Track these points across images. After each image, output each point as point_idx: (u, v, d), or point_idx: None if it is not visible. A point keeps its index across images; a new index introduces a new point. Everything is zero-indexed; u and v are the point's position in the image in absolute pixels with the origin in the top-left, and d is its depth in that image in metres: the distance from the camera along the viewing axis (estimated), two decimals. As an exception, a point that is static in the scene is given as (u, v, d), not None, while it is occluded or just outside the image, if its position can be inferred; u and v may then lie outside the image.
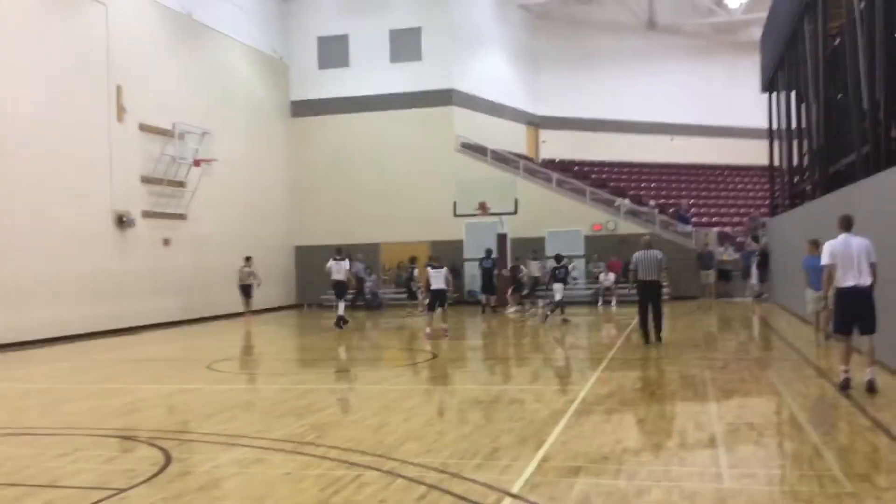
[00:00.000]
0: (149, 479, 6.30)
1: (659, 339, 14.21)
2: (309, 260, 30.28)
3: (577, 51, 36.87)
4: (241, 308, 23.46)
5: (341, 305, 19.87)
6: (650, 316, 14.16)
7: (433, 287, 16.80)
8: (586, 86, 36.80)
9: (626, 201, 30.12)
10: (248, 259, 23.34)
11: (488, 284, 25.23)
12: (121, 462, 7.20)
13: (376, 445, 7.26)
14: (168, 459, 6.94)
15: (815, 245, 11.98)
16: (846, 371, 9.08)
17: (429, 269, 17.18)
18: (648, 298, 14.21)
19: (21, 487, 6.21)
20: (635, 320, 15.74)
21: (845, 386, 8.99)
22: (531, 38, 36.28)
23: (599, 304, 26.22)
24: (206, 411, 9.65)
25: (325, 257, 21.53)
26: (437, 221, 28.70)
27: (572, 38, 36.97)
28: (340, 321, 19.56)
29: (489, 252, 25.61)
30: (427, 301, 17.47)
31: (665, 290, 15.58)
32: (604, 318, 22.48)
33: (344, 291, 20.08)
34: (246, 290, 23.04)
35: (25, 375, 13.53)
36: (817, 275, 10.85)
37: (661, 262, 14.23)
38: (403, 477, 6.14)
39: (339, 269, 19.65)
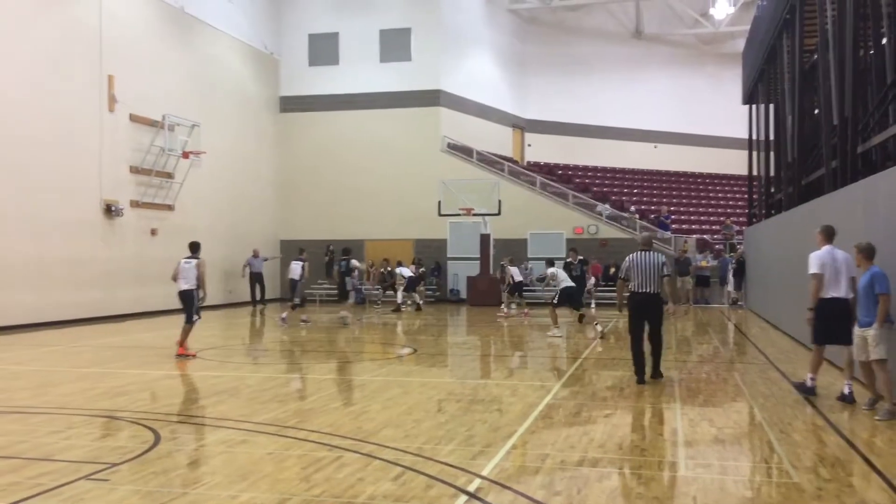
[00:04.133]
0: (139, 456, 6.65)
1: (658, 374, 10.64)
2: (294, 254, 30.56)
3: (565, 56, 37.40)
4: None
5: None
6: (645, 341, 10.63)
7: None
8: (572, 91, 37.35)
9: (608, 206, 30.64)
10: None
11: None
12: (111, 440, 7.55)
13: (355, 431, 7.64)
14: (157, 438, 7.30)
15: (868, 254, 8.52)
16: (813, 379, 9.49)
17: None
18: (644, 317, 10.56)
19: (17, 460, 6.54)
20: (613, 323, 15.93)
21: (809, 391, 9.40)
22: (519, 43, 36.76)
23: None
24: (193, 396, 10.00)
25: (308, 251, 22.05)
26: (422, 220, 29.12)
27: (560, 43, 37.50)
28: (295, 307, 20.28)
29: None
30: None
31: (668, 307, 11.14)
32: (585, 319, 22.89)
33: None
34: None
35: (14, 358, 13.79)
36: (870, 301, 8.32)
37: (663, 268, 10.50)
38: (381, 459, 6.53)
39: (295, 269, 20.33)
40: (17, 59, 19.04)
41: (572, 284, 17.94)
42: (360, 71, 31.26)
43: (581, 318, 18.81)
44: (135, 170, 23.14)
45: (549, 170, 34.91)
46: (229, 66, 28.55)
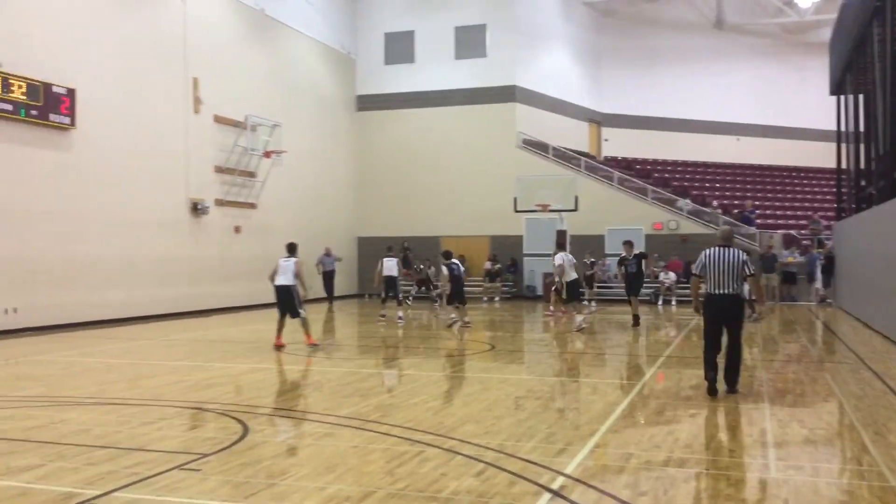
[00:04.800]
0: (229, 447, 6.84)
1: (733, 389, 9.32)
2: (370, 251, 30.98)
3: (642, 49, 36.72)
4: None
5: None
6: (721, 349, 9.35)
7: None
8: (650, 84, 36.64)
9: (689, 201, 29.99)
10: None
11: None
12: (202, 431, 7.78)
13: (437, 426, 7.68)
14: (245, 430, 7.49)
15: None
16: None
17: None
18: (721, 322, 9.27)
19: (113, 450, 6.80)
20: (695, 321, 15.57)
21: None
22: (595, 36, 36.27)
23: (659, 302, 26.24)
24: (278, 389, 10.23)
25: (385, 247, 22.26)
26: (497, 216, 29.08)
27: (637, 35, 36.84)
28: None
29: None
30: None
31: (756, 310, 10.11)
32: (664, 316, 22.53)
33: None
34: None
35: (107, 351, 14.37)
36: None
37: (745, 266, 9.20)
38: (463, 455, 6.55)
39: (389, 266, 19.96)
40: (108, 65, 19.79)
41: (577, 277, 18.11)
42: (435, 68, 31.39)
43: (637, 320, 18.23)
44: (219, 169, 23.81)
45: (626, 164, 34.38)
46: (308, 67, 29.07)
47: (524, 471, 6.04)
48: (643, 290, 19.91)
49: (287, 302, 13.98)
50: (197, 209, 22.57)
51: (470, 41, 31.11)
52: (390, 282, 19.94)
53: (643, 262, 18.42)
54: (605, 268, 27.97)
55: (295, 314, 13.99)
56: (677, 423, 7.92)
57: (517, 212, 27.38)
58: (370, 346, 15.98)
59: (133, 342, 15.86)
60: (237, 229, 24.49)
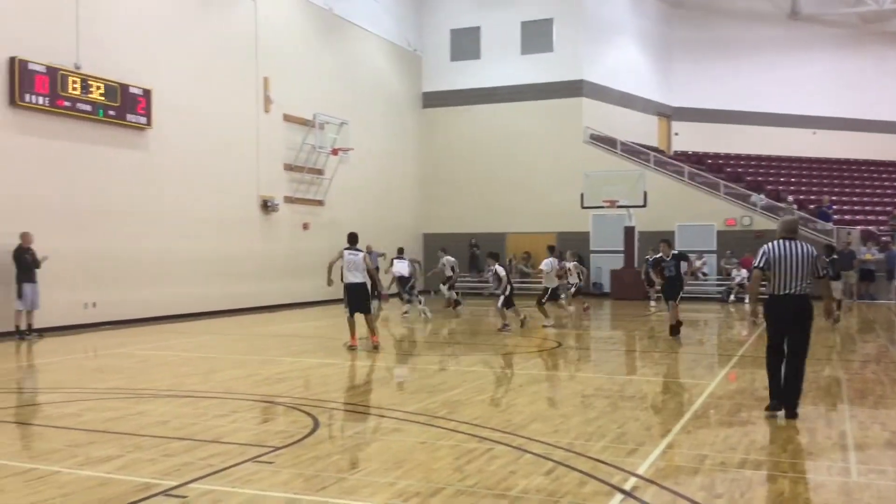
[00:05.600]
0: (300, 440, 6.93)
1: (793, 412, 7.78)
2: (436, 248, 31.10)
3: (714, 41, 35.83)
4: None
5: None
6: (785, 359, 7.87)
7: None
8: (722, 76, 35.73)
9: (763, 196, 29.20)
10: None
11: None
12: (274, 424, 7.91)
13: (504, 423, 7.64)
14: (316, 424, 7.58)
15: None
16: None
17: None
18: (787, 328, 7.78)
19: (189, 441, 6.97)
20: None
21: None
22: (665, 28, 35.57)
23: (730, 299, 25.65)
24: (346, 384, 10.34)
25: (449, 245, 22.29)
26: (564, 213, 28.82)
27: (708, 27, 35.96)
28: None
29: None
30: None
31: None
32: (736, 315, 22.00)
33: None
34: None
35: (181, 345, 14.75)
36: None
37: (817, 264, 7.81)
38: (531, 453, 6.49)
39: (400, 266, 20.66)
40: (182, 66, 20.28)
41: (557, 284, 17.94)
42: (501, 64, 31.27)
43: (677, 325, 15.64)
44: (288, 167, 24.20)
45: (697, 159, 33.65)
46: (375, 64, 29.29)
47: (595, 470, 5.96)
48: (715, 288, 19.19)
49: (362, 300, 13.38)
50: (267, 206, 23.00)
51: (536, 36, 30.89)
52: (403, 281, 20.62)
53: (683, 263, 15.95)
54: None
55: (368, 311, 13.59)
56: (752, 424, 7.71)
57: (584, 208, 27.09)
58: (434, 342, 16.02)
59: (205, 336, 16.25)
60: (305, 226, 24.85)
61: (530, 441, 6.89)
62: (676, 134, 35.88)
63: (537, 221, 29.82)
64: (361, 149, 26.84)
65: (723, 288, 26.77)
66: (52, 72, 16.50)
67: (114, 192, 18.16)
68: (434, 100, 32.20)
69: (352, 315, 13.42)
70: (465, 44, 31.93)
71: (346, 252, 13.38)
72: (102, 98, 17.67)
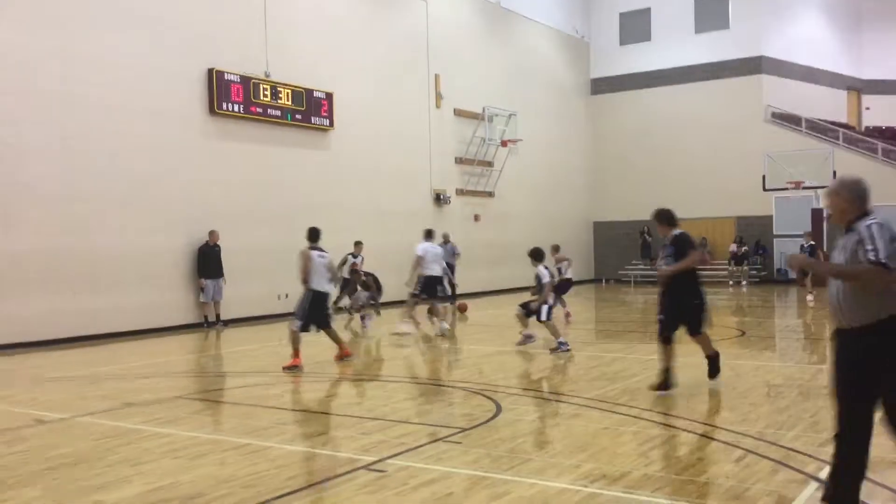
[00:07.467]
0: (485, 423, 7.20)
1: None
2: (606, 236, 30.78)
3: (911, 5, 32.91)
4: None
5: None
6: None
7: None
8: (921, 43, 32.77)
9: (970, 172, 26.58)
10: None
11: None
12: (459, 407, 8.24)
13: (689, 411, 7.56)
14: (498, 408, 7.83)
15: None
16: None
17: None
18: None
19: (382, 421, 7.41)
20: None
21: None
22: (853, -4, 33.09)
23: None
24: (525, 370, 10.55)
25: (621, 232, 21.85)
26: (743, 196, 27.63)
27: (904, -10, 33.07)
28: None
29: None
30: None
31: None
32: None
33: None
34: None
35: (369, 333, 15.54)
36: None
37: None
38: (718, 441, 6.40)
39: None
40: (360, 69, 21.22)
41: (438, 274, 14.75)
42: (673, 45, 30.31)
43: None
44: (459, 160, 24.76)
45: (892, 134, 31.08)
46: (542, 54, 29.29)
47: (787, 458, 5.80)
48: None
49: (324, 311, 11.04)
50: (440, 199, 23.66)
51: (711, 13, 29.68)
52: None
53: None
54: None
55: (328, 324, 11.11)
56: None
57: (766, 190, 25.84)
58: (611, 331, 15.91)
59: (383, 326, 16.99)
60: (476, 217, 25.33)
61: (717, 429, 6.79)
62: (868, 108, 33.31)
63: (715, 206, 28.71)
64: (530, 139, 26.98)
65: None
66: (245, 81, 17.83)
67: (301, 190, 19.34)
68: (603, 86, 31.74)
69: (305, 329, 10.78)
70: (635, 26, 31.21)
71: (314, 254, 10.89)
72: (290, 103, 18.87)
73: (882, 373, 4.18)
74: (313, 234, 11.05)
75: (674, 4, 30.35)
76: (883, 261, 3.99)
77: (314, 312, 10.71)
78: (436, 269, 14.55)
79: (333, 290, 11.04)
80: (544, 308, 11.74)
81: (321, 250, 10.92)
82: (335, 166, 20.30)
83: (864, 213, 4.29)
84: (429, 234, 15.19)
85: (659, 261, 9.23)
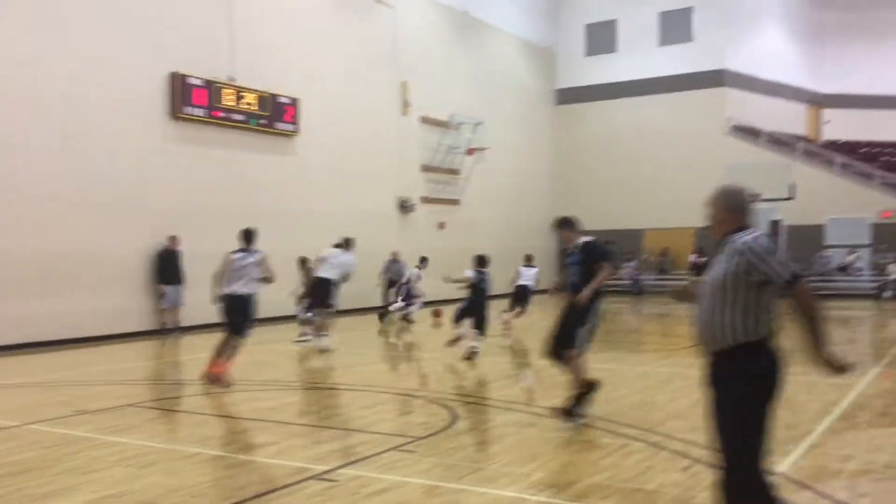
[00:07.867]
0: (440, 432, 7.24)
1: None
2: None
3: (870, 22, 33.65)
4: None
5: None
6: None
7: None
8: (879, 60, 33.47)
9: (924, 186, 27.28)
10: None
11: None
12: (415, 416, 8.28)
13: (641, 420, 7.66)
14: (454, 417, 7.87)
15: None
16: None
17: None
18: None
19: (336, 430, 7.43)
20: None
21: None
22: (815, 11, 33.75)
23: (884, 294, 24.16)
24: (483, 379, 10.61)
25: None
26: (704, 208, 27.99)
27: (864, 7, 33.81)
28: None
29: None
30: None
31: None
32: (890, 312, 20.72)
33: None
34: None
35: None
36: None
37: None
38: (669, 450, 6.51)
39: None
40: (326, 74, 21.18)
41: (334, 278, 14.17)
42: (638, 56, 30.71)
43: None
44: (425, 168, 24.81)
45: (850, 148, 31.76)
46: (509, 63, 29.49)
47: (732, 468, 5.90)
48: (867, 284, 18.21)
49: (239, 316, 10.19)
50: (404, 207, 23.69)
51: (675, 26, 30.14)
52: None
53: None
54: (826, 259, 26.19)
55: (241, 333, 10.25)
56: (906, 426, 7.37)
57: (726, 202, 26.21)
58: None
59: (349, 332, 16.96)
60: (441, 225, 25.39)
61: (668, 438, 6.89)
62: (827, 122, 34.01)
63: (676, 217, 29.08)
64: (497, 148, 27.10)
65: (876, 284, 25.21)
66: (208, 85, 17.71)
67: (265, 195, 19.23)
68: (568, 96, 32.03)
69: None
70: (601, 38, 31.57)
71: (233, 256, 10.22)
72: (255, 108, 18.78)
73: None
74: (244, 236, 10.35)
75: (639, 17, 30.76)
76: (789, 279, 3.99)
77: (229, 316, 10.04)
78: (330, 273, 13.66)
79: (257, 291, 10.18)
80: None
81: (247, 251, 10.15)
82: (300, 172, 20.23)
83: (742, 227, 4.18)
84: (346, 243, 14.51)
85: (563, 269, 8.57)
